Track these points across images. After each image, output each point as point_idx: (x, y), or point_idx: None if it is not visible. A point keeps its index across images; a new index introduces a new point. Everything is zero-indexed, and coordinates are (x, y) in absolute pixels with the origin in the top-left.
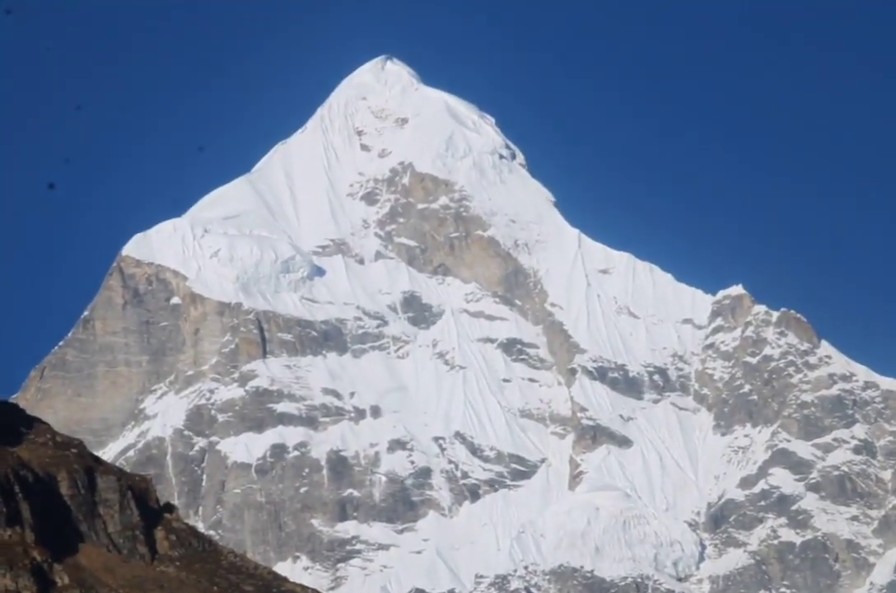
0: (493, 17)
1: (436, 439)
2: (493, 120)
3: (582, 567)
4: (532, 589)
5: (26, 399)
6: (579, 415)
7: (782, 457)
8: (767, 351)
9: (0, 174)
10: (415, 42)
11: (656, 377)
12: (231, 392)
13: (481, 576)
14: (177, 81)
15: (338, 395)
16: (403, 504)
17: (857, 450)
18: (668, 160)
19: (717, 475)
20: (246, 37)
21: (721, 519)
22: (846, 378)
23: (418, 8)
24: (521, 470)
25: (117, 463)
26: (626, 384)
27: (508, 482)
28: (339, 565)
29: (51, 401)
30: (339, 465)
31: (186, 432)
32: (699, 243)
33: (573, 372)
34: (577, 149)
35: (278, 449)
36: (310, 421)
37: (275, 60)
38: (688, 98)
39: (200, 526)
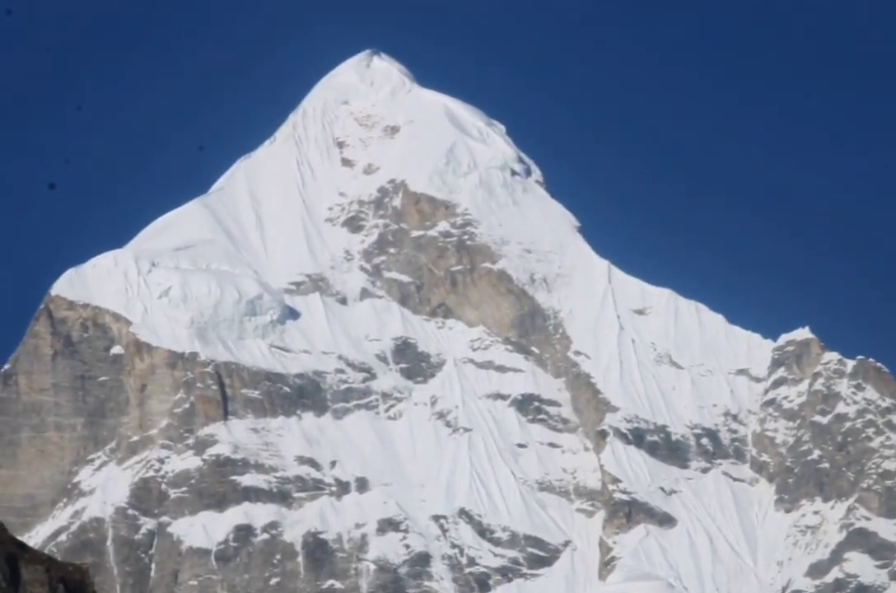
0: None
1: (436, 518)
2: (503, 128)
3: None
4: None
5: None
6: (611, 487)
7: (860, 539)
8: (841, 408)
9: None
10: (407, 32)
11: (705, 441)
12: (185, 462)
13: None
14: (117, 76)
15: (316, 465)
16: None
17: None
18: (715, 173)
19: (780, 561)
20: (199, 24)
21: None
22: None
23: None
24: (541, 555)
25: (46, 550)
26: (668, 449)
27: (525, 570)
28: None
29: None
30: (318, 550)
31: (131, 511)
32: (756, 277)
33: (603, 434)
34: (606, 162)
35: (243, 532)
36: (282, 496)
37: (234, 55)
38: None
39: None
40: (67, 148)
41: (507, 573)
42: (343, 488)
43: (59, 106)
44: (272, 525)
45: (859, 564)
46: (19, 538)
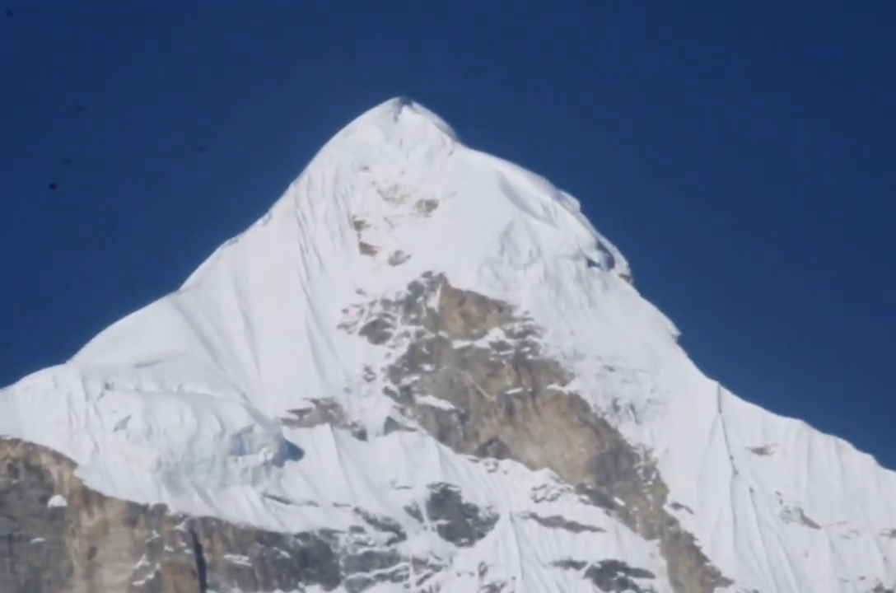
0: (573, 30)
1: None
2: (577, 203)
3: None
4: None
5: None
6: None
7: None
8: None
9: None
10: (448, 75)
11: None
12: None
13: None
14: (75, 133)
15: None
16: None
17: None
18: (854, 275)
19: None
20: (170, 54)
21: None
22: None
23: (453, 22)
24: None
25: None
26: None
27: None
28: None
29: None
30: None
31: None
32: None
33: None
34: (713, 252)
35: None
36: None
37: (215, 101)
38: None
39: None
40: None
41: None
42: None
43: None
44: None
45: None
46: None
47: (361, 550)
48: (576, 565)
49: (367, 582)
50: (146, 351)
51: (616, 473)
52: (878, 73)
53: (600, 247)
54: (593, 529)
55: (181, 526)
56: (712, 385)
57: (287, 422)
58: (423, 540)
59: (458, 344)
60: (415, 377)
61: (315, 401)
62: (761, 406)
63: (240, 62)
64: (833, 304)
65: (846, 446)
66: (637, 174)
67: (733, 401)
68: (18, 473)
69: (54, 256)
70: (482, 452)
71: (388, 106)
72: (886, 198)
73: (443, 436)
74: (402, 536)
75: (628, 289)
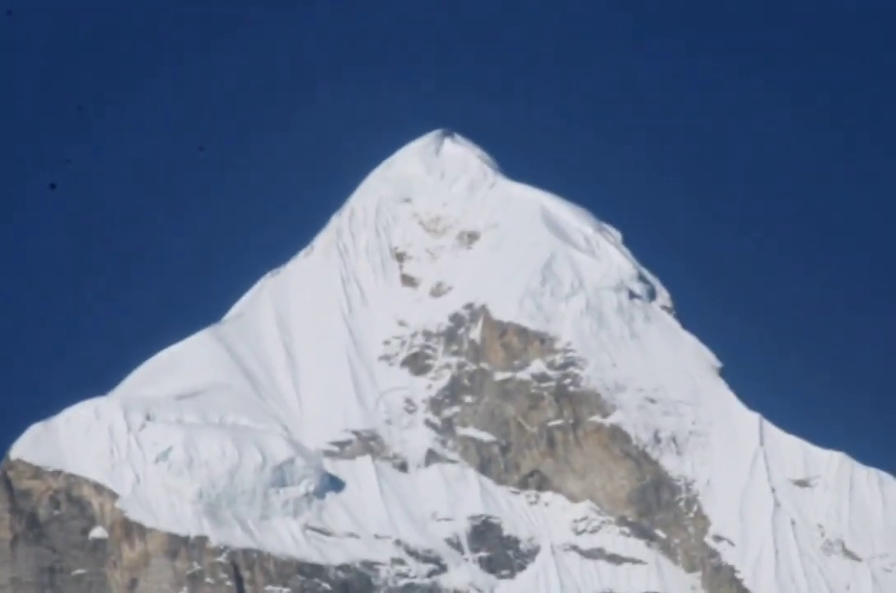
0: (615, 64)
1: None
2: (618, 235)
3: None
4: None
5: None
6: None
7: None
8: None
9: None
10: (490, 107)
11: None
12: None
13: None
14: (96, 157)
15: None
16: None
17: None
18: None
19: None
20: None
21: None
22: None
23: (496, 53)
24: None
25: None
26: None
27: None
28: None
29: None
30: None
31: None
32: None
33: None
34: (757, 284)
35: None
36: None
37: (258, 135)
38: None
39: None
40: (32, 247)
41: None
42: None
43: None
44: None
45: None
46: None
47: (402, 582)
48: None
49: None
50: (187, 382)
51: (657, 505)
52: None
53: (642, 278)
54: (634, 561)
55: (222, 558)
56: (754, 417)
57: (328, 453)
58: (463, 573)
59: (500, 375)
60: (456, 409)
61: (356, 433)
62: (803, 438)
63: (282, 90)
64: (876, 338)
65: (888, 479)
66: (679, 206)
67: (775, 433)
68: (60, 505)
69: (95, 287)
70: (523, 484)
71: (429, 138)
72: None
73: (484, 467)
74: (442, 568)
75: (670, 321)
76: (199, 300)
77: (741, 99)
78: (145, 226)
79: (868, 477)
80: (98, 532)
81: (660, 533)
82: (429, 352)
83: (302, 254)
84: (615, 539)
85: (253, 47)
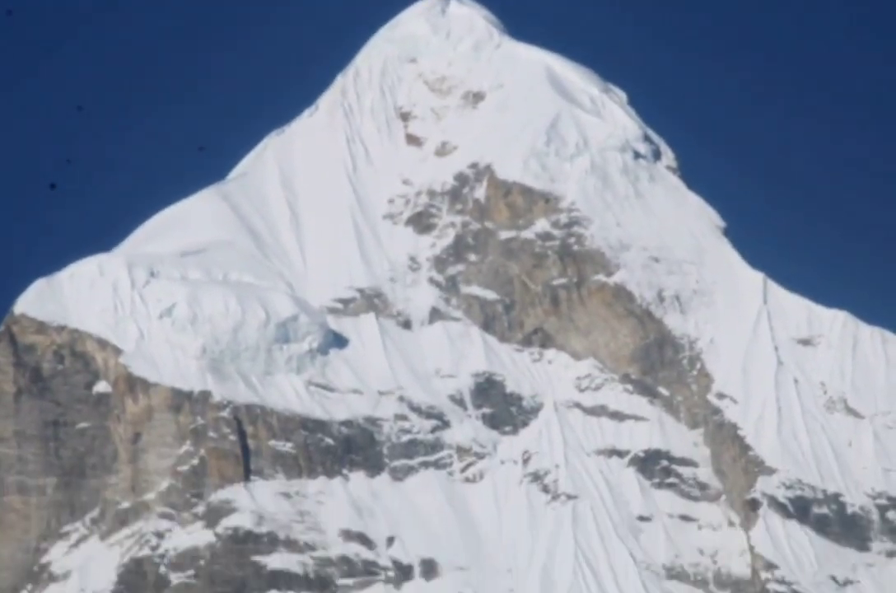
0: None
1: None
2: (624, 95)
3: None
4: None
5: None
6: (765, 575)
7: None
8: None
9: None
10: None
11: (892, 514)
12: (193, 536)
13: None
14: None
15: (367, 542)
16: None
17: None
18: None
19: None
20: None
21: None
22: None
23: None
24: None
25: None
26: (843, 525)
27: None
28: None
29: None
30: None
31: None
32: None
33: (754, 505)
34: (762, 141)
35: None
36: (321, 583)
37: None
38: None
39: None
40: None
41: None
42: (404, 573)
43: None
44: None
45: None
46: None
47: (405, 438)
48: (619, 454)
49: (410, 470)
50: (192, 240)
51: (661, 363)
52: None
53: (647, 139)
54: (637, 418)
55: (225, 413)
56: (758, 276)
57: (332, 310)
58: (466, 429)
59: (504, 234)
60: (460, 267)
61: (360, 291)
62: (807, 297)
63: None
64: (881, 196)
65: (891, 337)
66: (685, 66)
67: (779, 292)
68: (64, 359)
69: (102, 143)
70: (527, 342)
71: None
72: None
73: (487, 325)
74: (446, 424)
75: (674, 180)
76: (204, 158)
77: None
78: (150, 82)
79: (871, 335)
80: (102, 386)
81: (663, 391)
82: (433, 210)
83: (306, 113)
84: (618, 396)
85: None
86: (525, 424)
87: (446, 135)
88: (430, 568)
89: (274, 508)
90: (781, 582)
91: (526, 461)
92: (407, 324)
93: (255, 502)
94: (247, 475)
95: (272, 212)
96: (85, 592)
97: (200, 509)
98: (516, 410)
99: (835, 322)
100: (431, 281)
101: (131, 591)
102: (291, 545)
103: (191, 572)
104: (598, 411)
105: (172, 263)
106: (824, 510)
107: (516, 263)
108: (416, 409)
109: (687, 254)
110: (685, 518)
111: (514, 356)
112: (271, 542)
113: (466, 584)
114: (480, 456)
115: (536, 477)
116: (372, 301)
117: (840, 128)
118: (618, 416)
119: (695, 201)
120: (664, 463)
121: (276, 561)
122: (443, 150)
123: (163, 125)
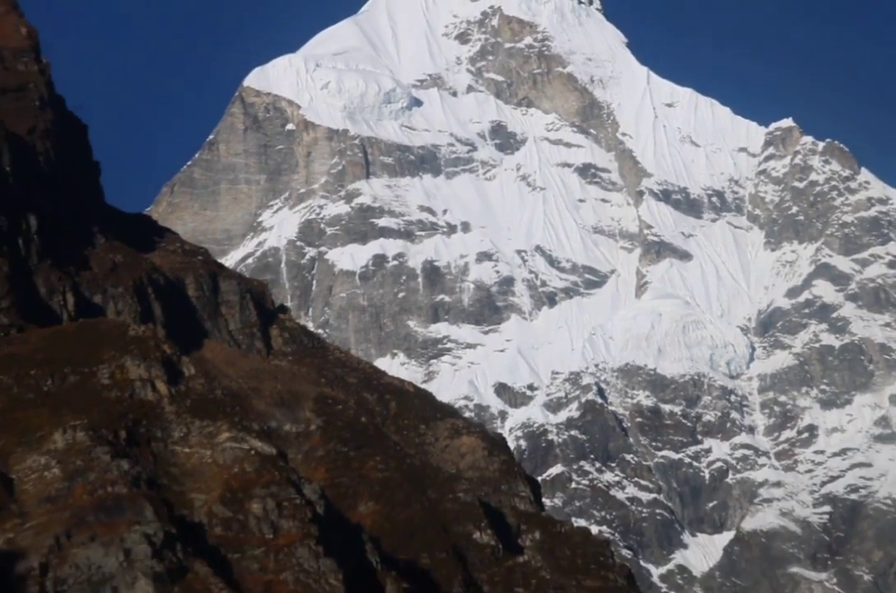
0: None
1: (518, 252)
2: None
3: (646, 365)
4: (601, 385)
5: (158, 212)
6: (645, 232)
7: (824, 271)
8: (813, 176)
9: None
10: None
11: (714, 199)
12: (338, 208)
13: (557, 373)
14: None
15: (432, 212)
16: (489, 308)
17: (891, 265)
18: (727, 11)
19: (766, 286)
20: None
21: (769, 325)
22: (883, 201)
23: None
24: (594, 280)
25: (237, 270)
26: (688, 205)
27: (582, 290)
28: (432, 361)
29: (180, 213)
30: (433, 274)
31: (299, 243)
32: (754, 80)
33: (641, 193)
34: None
35: (379, 259)
36: (407, 234)
37: None
38: None
39: (310, 326)
40: None
41: (569, 292)
42: (451, 229)
43: None
44: (400, 255)
45: (823, 289)
46: (219, 260)
47: (453, 156)
48: (569, 165)
49: (455, 173)
50: (339, 46)
51: (592, 116)
52: None
53: None
54: (578, 146)
55: (356, 142)
56: (643, 69)
57: (414, 85)
58: (486, 151)
59: (508, 45)
60: (483, 63)
61: (429, 75)
62: (670, 80)
63: None
64: (717, 20)
65: (716, 103)
66: None
67: (655, 78)
68: (270, 111)
69: None
70: (519, 104)
71: None
72: None
73: (498, 95)
74: (475, 149)
75: (600, 16)
76: (345, 2)
77: None
78: None
79: (705, 102)
80: (290, 126)
81: (592, 131)
82: (469, 32)
83: None
84: (568, 134)
85: None
86: (518, 149)
87: None
88: (466, 227)
89: (382, 193)
90: (655, 235)
91: (518, 169)
92: (455, 94)
93: (372, 190)
94: (368, 175)
95: (382, 32)
96: (281, 237)
97: (343, 193)
98: (513, 142)
99: (685, 94)
100: (468, 70)
101: (305, 237)
102: (391, 213)
103: (337, 227)
104: (557, 142)
105: (328, 59)
106: (679, 196)
107: (514, 61)
108: (459, 140)
109: (606, 57)
110: (604, 200)
111: (513, 112)
112: (380, 212)
113: (485, 235)
114: (494, 166)
115: (524, 177)
116: (436, 81)
117: None
118: (568, 145)
119: (611, 28)
120: (593, 170)
121: (383, 222)
122: None
123: None
